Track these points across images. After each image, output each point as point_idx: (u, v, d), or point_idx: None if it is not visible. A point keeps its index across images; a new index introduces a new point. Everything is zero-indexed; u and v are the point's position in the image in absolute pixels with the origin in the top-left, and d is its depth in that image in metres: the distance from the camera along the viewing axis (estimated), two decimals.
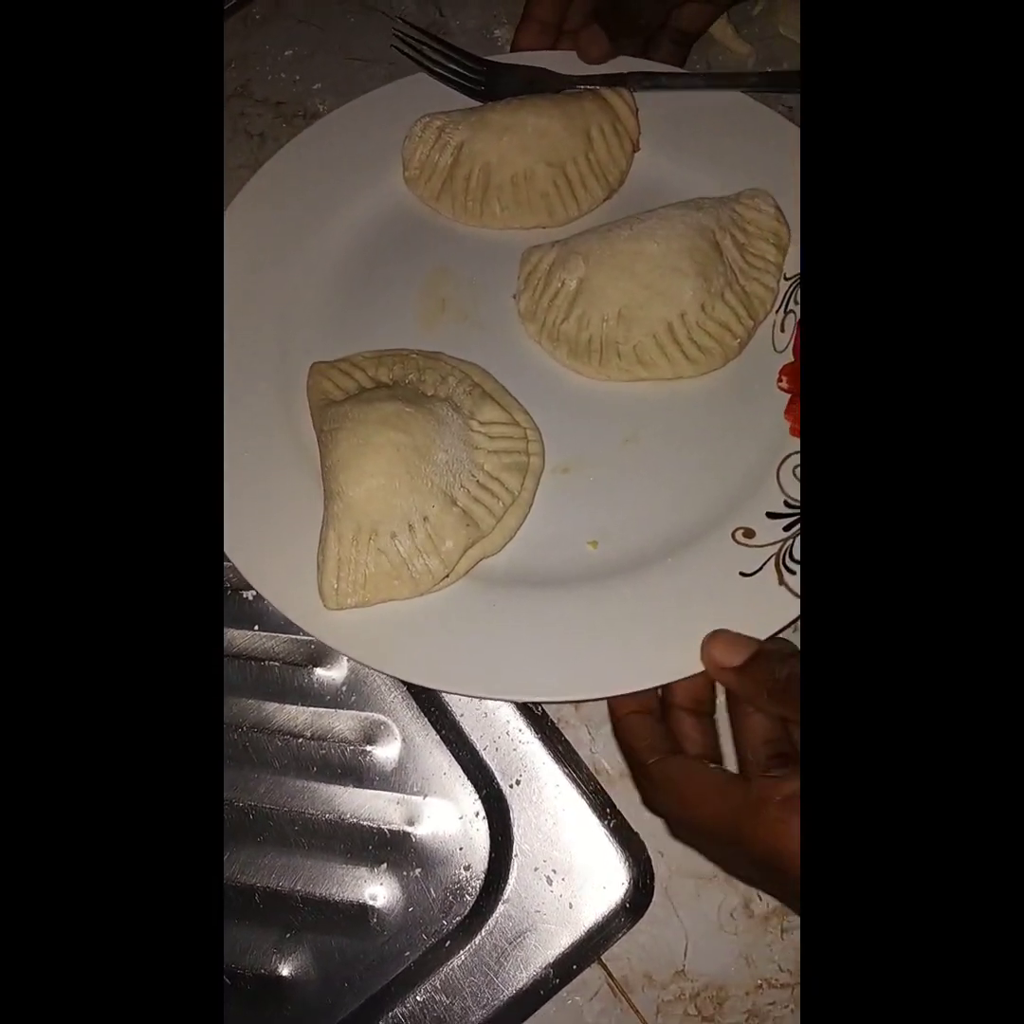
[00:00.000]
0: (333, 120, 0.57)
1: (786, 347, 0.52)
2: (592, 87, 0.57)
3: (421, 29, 0.58)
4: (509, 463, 0.48)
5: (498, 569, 0.47)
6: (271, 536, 0.47)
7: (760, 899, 0.45)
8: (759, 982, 0.44)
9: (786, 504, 0.48)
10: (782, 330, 0.53)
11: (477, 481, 0.47)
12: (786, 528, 0.47)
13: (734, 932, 0.45)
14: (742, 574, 0.46)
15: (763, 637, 0.43)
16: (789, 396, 0.51)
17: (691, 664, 0.43)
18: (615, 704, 0.45)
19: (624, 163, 0.56)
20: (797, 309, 0.53)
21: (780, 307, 0.53)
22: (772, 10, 0.65)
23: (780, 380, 0.52)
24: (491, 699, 0.48)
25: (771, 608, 0.45)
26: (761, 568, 0.46)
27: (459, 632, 0.45)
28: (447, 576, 0.45)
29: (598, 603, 0.46)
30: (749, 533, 0.47)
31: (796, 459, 0.49)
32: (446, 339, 0.53)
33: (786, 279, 0.54)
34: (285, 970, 0.47)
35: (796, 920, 0.44)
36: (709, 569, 0.47)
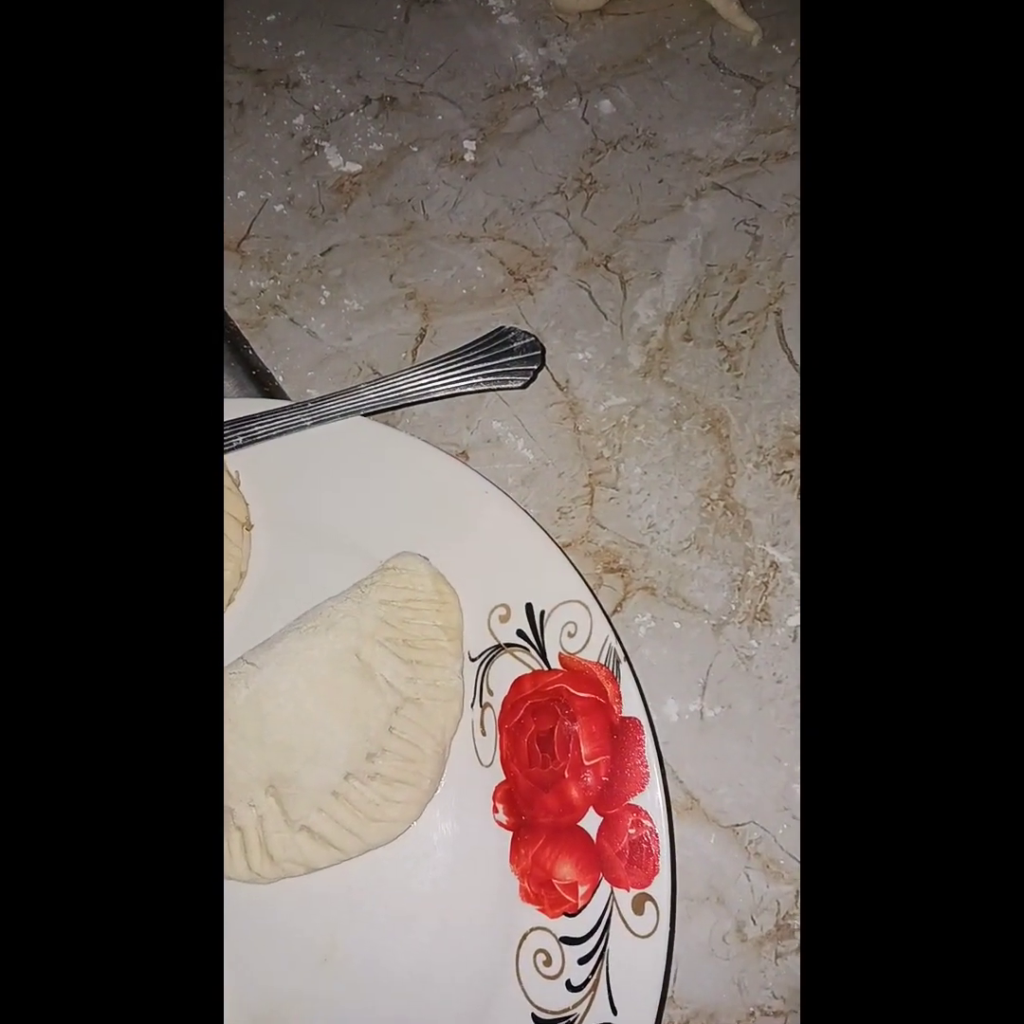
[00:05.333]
0: None
1: (493, 759, 0.40)
2: None
3: None
4: None
5: None
6: None
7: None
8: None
9: (535, 1020, 0.36)
10: (484, 733, 0.41)
11: None
12: None
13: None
14: None
15: None
16: (511, 834, 0.39)
17: None
18: None
19: (238, 553, 0.43)
20: (494, 701, 0.41)
21: (474, 701, 0.41)
22: None
23: (495, 810, 0.40)
24: None
25: None
26: None
27: None
28: None
29: None
30: None
31: (538, 939, 0.37)
32: None
33: (472, 660, 0.42)
34: None
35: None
36: None
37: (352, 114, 0.56)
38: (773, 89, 0.56)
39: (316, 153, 0.55)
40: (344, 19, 0.59)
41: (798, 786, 0.41)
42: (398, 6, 0.60)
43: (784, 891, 0.40)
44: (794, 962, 0.39)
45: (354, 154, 0.55)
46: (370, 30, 0.59)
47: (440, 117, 0.56)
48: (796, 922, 0.40)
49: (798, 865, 0.40)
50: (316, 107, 0.57)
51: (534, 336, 0.46)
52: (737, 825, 0.41)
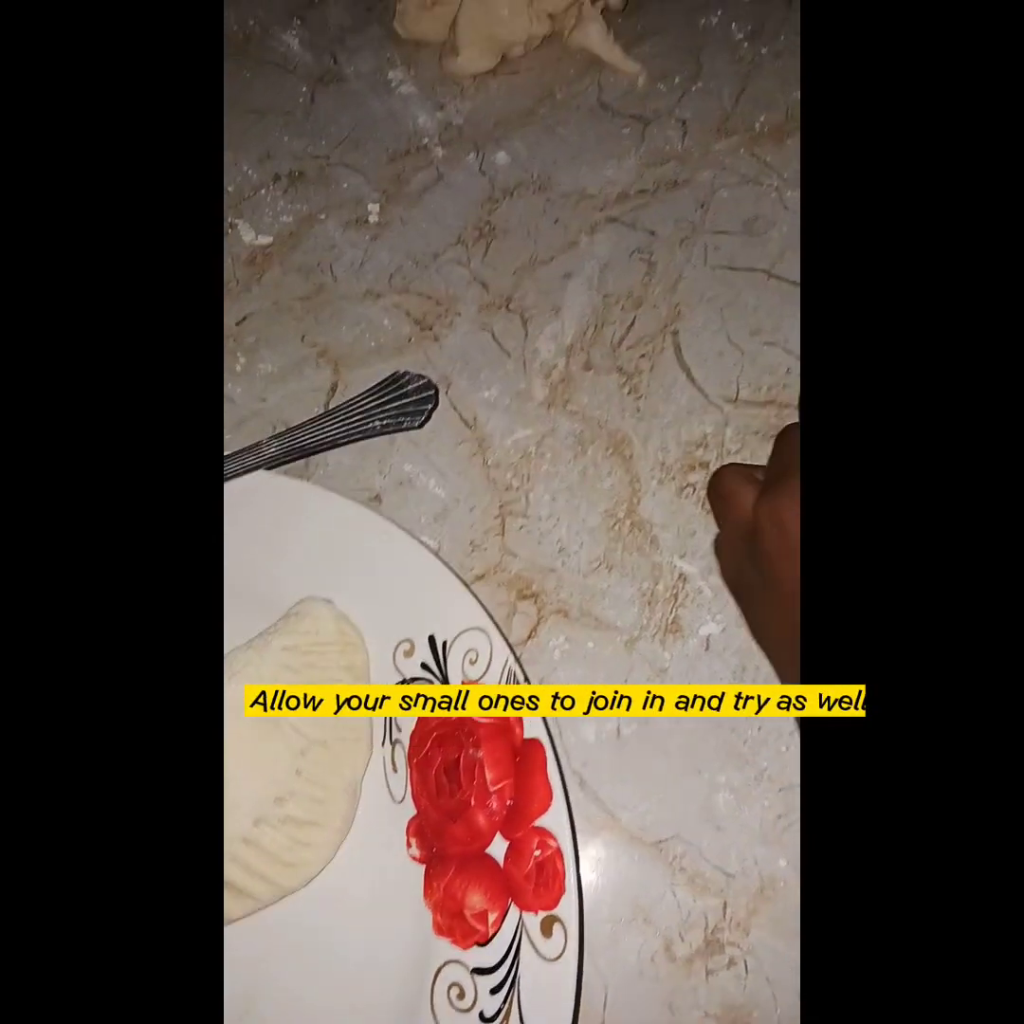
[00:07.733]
0: None
1: (404, 795, 0.40)
2: None
3: None
4: None
5: None
6: None
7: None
8: None
9: None
10: (395, 769, 0.41)
11: None
12: None
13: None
14: None
15: None
16: (423, 868, 0.39)
17: None
18: None
19: None
20: (403, 736, 0.41)
21: (384, 739, 0.41)
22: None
23: (409, 845, 0.39)
24: None
25: None
26: None
27: None
28: None
29: None
30: None
31: (452, 972, 0.37)
32: None
33: None
34: None
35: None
36: None
37: (263, 191, 0.59)
38: (660, 124, 0.58)
39: (230, 231, 0.58)
40: (254, 105, 0.63)
41: (721, 796, 0.41)
42: (304, 88, 0.63)
43: (711, 905, 0.39)
44: (725, 978, 0.38)
45: (265, 227, 0.58)
46: (278, 113, 0.62)
47: (346, 185, 0.59)
48: (724, 936, 0.39)
49: (723, 876, 0.39)
50: (229, 188, 0.60)
51: (426, 378, 0.47)
52: (660, 841, 0.40)
